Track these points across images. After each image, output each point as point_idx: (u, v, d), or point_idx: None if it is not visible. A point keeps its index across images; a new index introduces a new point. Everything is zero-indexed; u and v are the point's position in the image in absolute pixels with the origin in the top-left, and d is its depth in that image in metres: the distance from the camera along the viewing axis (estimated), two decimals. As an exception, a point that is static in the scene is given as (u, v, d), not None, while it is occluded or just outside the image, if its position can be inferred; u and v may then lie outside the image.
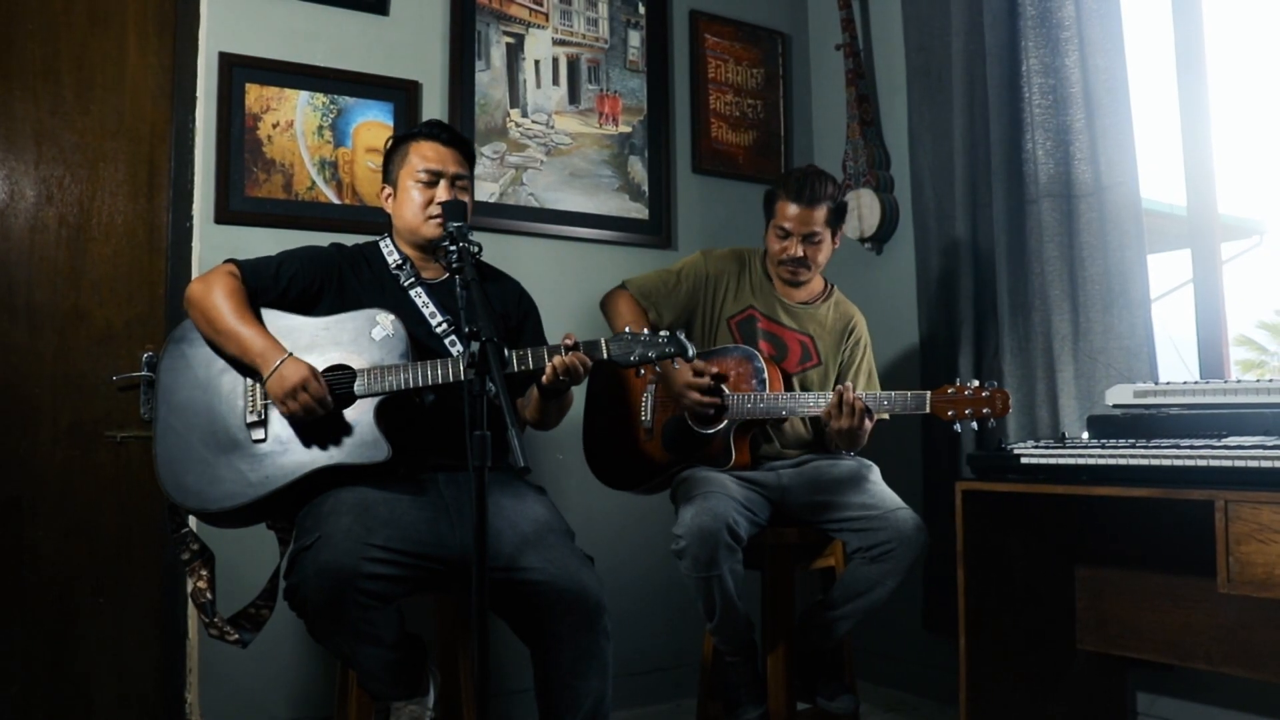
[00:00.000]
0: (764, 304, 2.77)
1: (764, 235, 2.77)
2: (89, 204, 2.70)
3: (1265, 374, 8.96)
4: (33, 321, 2.62)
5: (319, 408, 2.06)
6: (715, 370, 2.53)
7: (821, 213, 2.65)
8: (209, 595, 2.13)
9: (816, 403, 2.46)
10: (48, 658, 2.59)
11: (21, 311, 2.61)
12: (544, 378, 2.13)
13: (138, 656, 2.69)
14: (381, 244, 2.40)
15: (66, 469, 2.64)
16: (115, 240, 2.72)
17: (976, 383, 2.34)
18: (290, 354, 2.09)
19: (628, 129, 3.49)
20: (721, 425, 2.56)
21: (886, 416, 2.54)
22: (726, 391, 2.54)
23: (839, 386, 2.43)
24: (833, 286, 2.88)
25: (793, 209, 2.65)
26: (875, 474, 2.62)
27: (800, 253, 2.67)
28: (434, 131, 2.36)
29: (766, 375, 2.56)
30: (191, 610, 2.70)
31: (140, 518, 2.70)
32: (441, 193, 2.31)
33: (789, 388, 2.64)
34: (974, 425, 2.36)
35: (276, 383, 2.05)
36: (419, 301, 2.31)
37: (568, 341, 2.13)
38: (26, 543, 2.59)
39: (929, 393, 2.37)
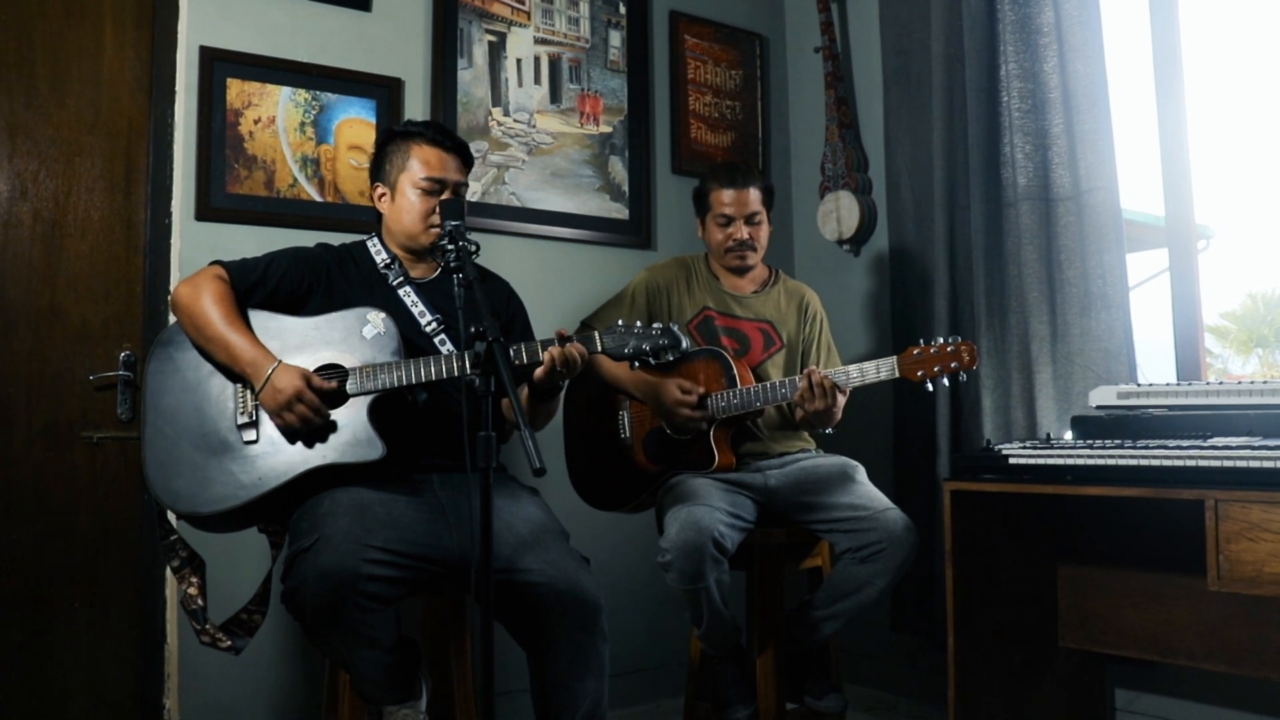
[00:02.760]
0: (716, 301, 2.81)
1: (702, 235, 2.85)
2: (64, 199, 2.63)
3: (1212, 376, 9.13)
4: (7, 319, 2.55)
5: (315, 417, 2.03)
6: (701, 391, 2.56)
7: (756, 193, 2.76)
8: (200, 602, 2.09)
9: (787, 389, 2.49)
10: (22, 664, 2.52)
11: (-5, 309, 2.55)
12: (540, 371, 2.12)
13: (115, 662, 2.63)
14: (369, 243, 2.37)
15: (41, 470, 2.57)
16: (92, 237, 2.66)
17: (941, 339, 2.39)
18: (280, 362, 2.06)
19: (608, 129, 3.48)
20: (700, 427, 2.58)
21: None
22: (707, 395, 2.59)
23: (807, 369, 2.47)
24: (778, 271, 2.93)
25: (729, 194, 2.74)
26: (861, 474, 2.64)
27: (745, 235, 2.75)
28: (438, 137, 2.30)
29: (736, 372, 2.59)
30: (170, 615, 2.65)
31: (117, 520, 2.64)
32: None
33: (758, 380, 2.66)
34: (945, 381, 2.39)
35: (270, 396, 2.03)
36: (408, 301, 2.29)
37: (561, 335, 2.12)
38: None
39: (895, 357, 2.42)
